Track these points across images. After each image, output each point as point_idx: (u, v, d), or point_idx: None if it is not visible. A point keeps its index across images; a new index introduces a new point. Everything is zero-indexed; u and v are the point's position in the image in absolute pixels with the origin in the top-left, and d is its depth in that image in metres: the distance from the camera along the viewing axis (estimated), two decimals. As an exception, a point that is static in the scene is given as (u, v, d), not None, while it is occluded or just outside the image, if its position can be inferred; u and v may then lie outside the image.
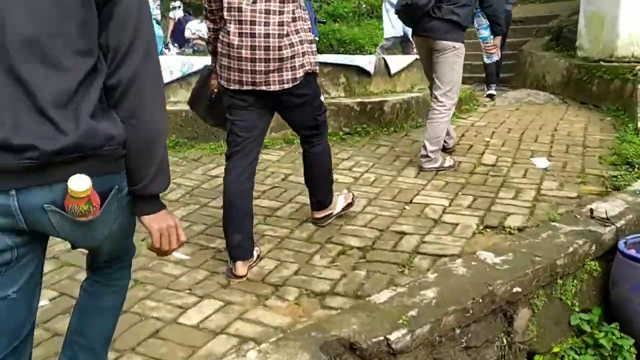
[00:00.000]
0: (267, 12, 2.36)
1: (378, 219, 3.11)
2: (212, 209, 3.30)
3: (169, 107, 4.51)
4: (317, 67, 2.56)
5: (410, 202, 3.35)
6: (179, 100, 4.76)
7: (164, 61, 4.76)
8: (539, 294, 2.38)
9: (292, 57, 2.40)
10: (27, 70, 1.13)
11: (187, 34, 8.25)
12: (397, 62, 5.58)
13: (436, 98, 3.84)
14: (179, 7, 8.74)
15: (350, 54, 7.83)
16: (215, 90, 2.67)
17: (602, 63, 5.87)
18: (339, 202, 3.06)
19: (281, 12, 2.37)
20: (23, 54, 1.13)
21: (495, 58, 4.09)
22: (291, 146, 4.42)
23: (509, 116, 5.49)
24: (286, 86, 2.44)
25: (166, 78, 4.72)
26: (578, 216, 2.88)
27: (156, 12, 7.34)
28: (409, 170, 3.93)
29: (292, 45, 2.40)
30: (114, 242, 1.43)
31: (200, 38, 8.05)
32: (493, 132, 4.86)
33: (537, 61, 7.53)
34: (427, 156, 3.80)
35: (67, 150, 1.14)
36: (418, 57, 5.79)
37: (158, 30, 7.34)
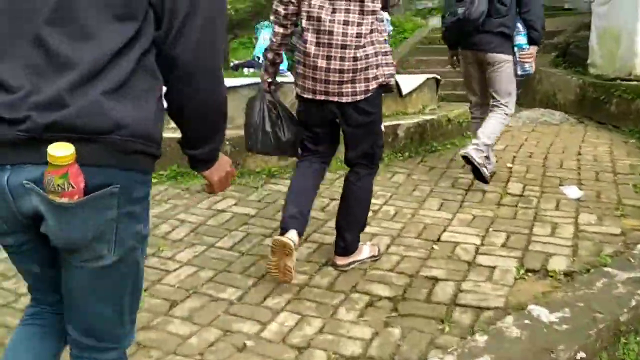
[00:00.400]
0: (346, 23, 2.34)
1: (405, 262, 2.81)
2: (221, 250, 2.99)
3: (168, 134, 4.23)
4: (392, 81, 2.51)
5: (438, 240, 3.05)
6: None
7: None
8: (601, 356, 2.08)
9: (366, 68, 2.38)
10: (54, 38, 0.99)
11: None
12: (408, 82, 5.31)
13: (498, 104, 3.77)
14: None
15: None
16: (272, 106, 2.59)
17: (620, 82, 5.63)
18: (364, 251, 2.78)
19: (360, 24, 2.34)
20: (52, 19, 1.00)
21: (530, 70, 3.76)
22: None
23: (526, 138, 5.23)
24: (358, 97, 2.40)
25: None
26: (631, 259, 2.58)
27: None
28: (430, 201, 3.63)
29: (367, 56, 2.37)
30: (101, 299, 1.15)
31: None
32: (514, 157, 4.58)
33: (546, 78, 7.29)
34: (478, 148, 3.63)
35: (58, 126, 0.98)
36: (429, 76, 5.60)
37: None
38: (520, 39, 3.68)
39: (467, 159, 3.66)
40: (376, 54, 2.40)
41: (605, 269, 2.52)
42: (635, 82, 5.44)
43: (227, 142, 4.13)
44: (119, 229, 1.09)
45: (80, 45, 1.00)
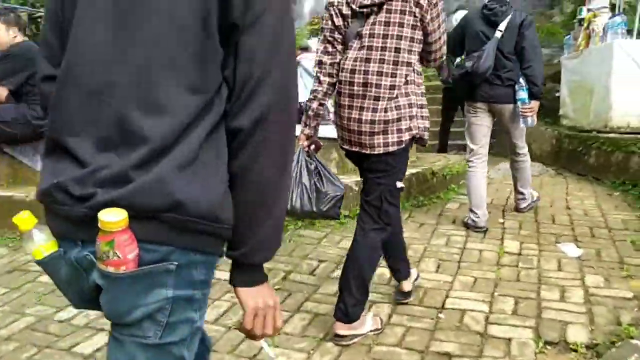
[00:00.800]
0: (380, 74, 2.29)
1: (411, 334, 2.55)
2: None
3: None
4: (426, 134, 2.44)
5: (443, 307, 2.81)
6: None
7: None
8: None
9: (399, 119, 2.31)
10: (129, 111, 0.94)
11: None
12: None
13: (517, 153, 4.23)
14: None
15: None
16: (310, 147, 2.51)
17: (597, 134, 5.65)
18: (366, 323, 2.52)
19: (394, 75, 2.30)
20: (129, 92, 0.95)
21: (532, 123, 3.91)
22: (285, 232, 3.86)
23: (510, 191, 5.10)
24: (390, 149, 2.34)
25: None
26: (657, 329, 2.40)
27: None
28: (427, 262, 3.42)
29: (398, 107, 2.31)
30: None
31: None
32: (503, 211, 4.44)
33: (519, 129, 7.32)
34: (524, 197, 4.33)
35: (116, 204, 0.92)
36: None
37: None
38: (522, 94, 3.79)
39: (521, 210, 4.35)
40: (410, 106, 2.34)
41: (633, 341, 2.32)
42: (612, 134, 5.47)
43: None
44: (172, 313, 0.98)
45: (153, 118, 0.94)
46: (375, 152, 2.35)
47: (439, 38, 2.38)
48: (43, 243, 1.02)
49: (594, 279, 3.09)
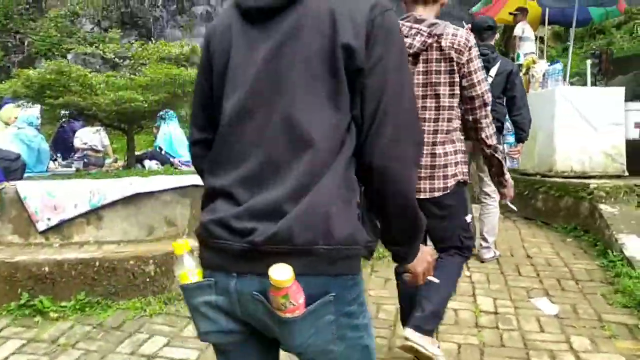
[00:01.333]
0: (423, 120, 2.29)
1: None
2: None
3: (72, 254, 3.40)
4: (468, 178, 2.42)
5: (432, 384, 2.53)
6: (86, 241, 3.65)
7: (63, 189, 3.69)
8: None
9: (445, 165, 2.31)
10: (277, 149, 1.10)
11: (77, 143, 7.06)
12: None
13: (487, 195, 4.25)
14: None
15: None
16: None
17: (542, 178, 5.71)
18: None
19: (436, 120, 2.29)
20: (276, 133, 1.10)
21: (517, 164, 4.40)
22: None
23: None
24: (436, 194, 2.32)
25: (69, 212, 3.63)
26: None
27: (37, 122, 6.14)
28: (400, 326, 3.14)
29: (446, 154, 2.31)
30: None
31: (93, 149, 6.91)
32: (467, 263, 4.28)
33: (461, 171, 7.35)
34: (488, 247, 4.24)
35: (277, 238, 1.06)
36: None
37: (44, 144, 6.14)
38: (510, 138, 4.20)
39: (484, 261, 4.21)
40: (456, 152, 2.33)
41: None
42: (558, 178, 5.52)
43: (150, 261, 3.41)
44: (339, 328, 1.13)
45: (299, 154, 1.08)
46: (421, 197, 2.29)
47: (479, 81, 2.30)
48: (191, 269, 1.16)
49: (580, 342, 2.93)
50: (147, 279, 3.37)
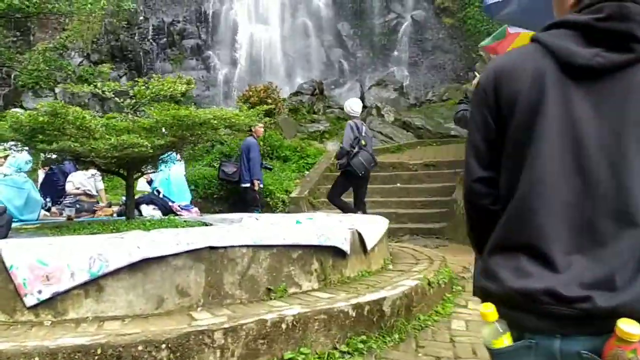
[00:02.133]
0: None
1: None
2: None
3: (67, 339, 2.79)
4: None
5: None
6: (83, 318, 3.06)
7: (57, 255, 3.11)
8: None
9: None
10: (604, 223, 1.10)
11: (69, 188, 6.47)
12: (372, 233, 4.41)
13: None
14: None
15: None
16: None
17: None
18: None
19: None
20: (608, 208, 1.11)
21: None
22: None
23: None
24: None
25: (65, 283, 3.05)
26: None
27: (27, 167, 5.58)
28: None
29: None
30: None
31: (86, 194, 6.33)
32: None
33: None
34: None
35: (620, 311, 1.05)
36: (382, 219, 4.97)
37: (34, 192, 5.55)
38: None
39: None
40: None
41: None
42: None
43: (163, 345, 2.81)
44: None
45: (625, 229, 1.09)
46: None
47: None
48: (506, 334, 1.15)
49: None
50: (160, 369, 2.78)
